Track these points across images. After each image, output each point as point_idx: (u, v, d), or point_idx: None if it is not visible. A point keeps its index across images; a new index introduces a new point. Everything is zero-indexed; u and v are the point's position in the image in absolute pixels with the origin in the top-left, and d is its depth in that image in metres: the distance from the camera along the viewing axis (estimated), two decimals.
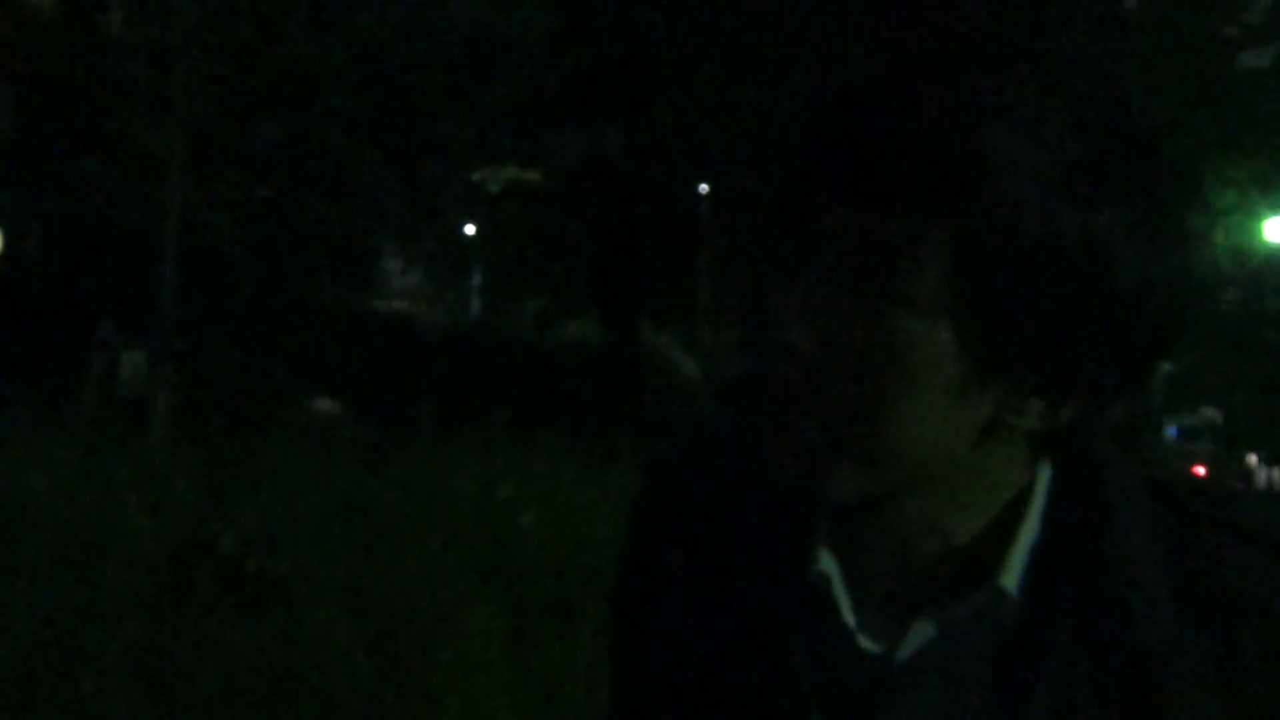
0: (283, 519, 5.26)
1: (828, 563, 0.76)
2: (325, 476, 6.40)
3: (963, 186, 0.65)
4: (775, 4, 13.57)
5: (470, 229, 19.28)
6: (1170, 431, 21.40)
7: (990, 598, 0.73)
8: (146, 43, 10.78)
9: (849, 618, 0.76)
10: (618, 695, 0.88)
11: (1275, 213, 12.46)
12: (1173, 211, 0.69)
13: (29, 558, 4.35)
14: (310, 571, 4.70)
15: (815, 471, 0.72)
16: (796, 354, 0.70)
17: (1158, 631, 0.71)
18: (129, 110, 10.85)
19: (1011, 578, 0.72)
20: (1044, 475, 0.75)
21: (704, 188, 17.55)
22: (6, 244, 13.81)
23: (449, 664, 4.16)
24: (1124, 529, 0.73)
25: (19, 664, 3.68)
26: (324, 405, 12.26)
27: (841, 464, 0.71)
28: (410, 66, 12.47)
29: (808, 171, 0.71)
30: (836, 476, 0.71)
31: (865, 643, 0.75)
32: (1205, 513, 0.75)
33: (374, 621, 4.42)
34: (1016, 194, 0.65)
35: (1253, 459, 22.89)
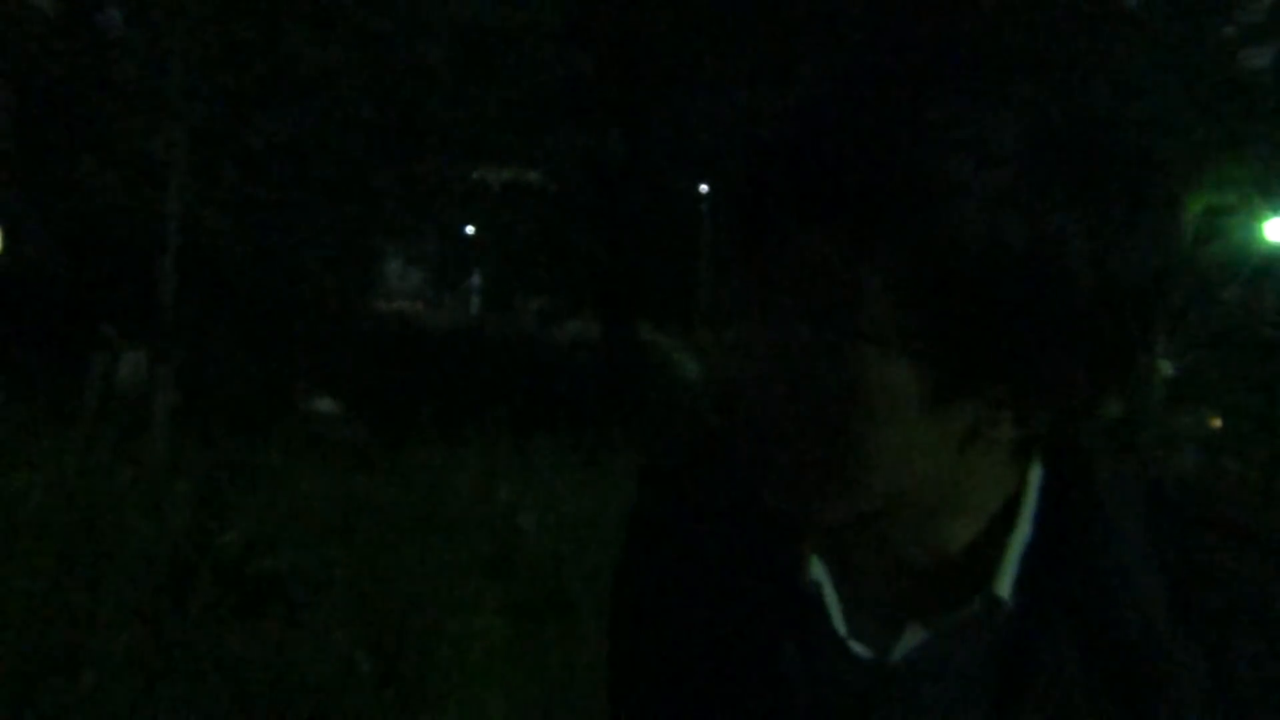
0: (283, 519, 5.27)
1: (819, 570, 0.77)
2: (325, 476, 6.41)
3: (898, 207, 0.63)
4: (776, 5, 13.57)
5: (470, 229, 19.28)
6: None
7: (984, 605, 0.72)
8: (146, 43, 10.77)
9: (840, 624, 0.76)
10: (616, 700, 0.89)
11: (1275, 213, 12.43)
12: (1138, 208, 0.66)
13: (29, 558, 4.35)
14: (310, 571, 4.70)
15: (795, 499, 0.72)
16: (761, 385, 0.70)
17: (1152, 633, 0.70)
18: (129, 110, 10.85)
19: (1005, 584, 0.72)
20: (1035, 478, 0.74)
21: (704, 188, 17.54)
22: (6, 244, 13.80)
23: (449, 664, 4.16)
24: (1116, 530, 0.73)
25: (19, 664, 3.68)
26: (324, 405, 12.24)
27: (819, 492, 0.70)
28: (410, 66, 12.46)
29: (752, 194, 0.69)
30: (816, 503, 0.71)
31: (857, 648, 0.75)
32: (1200, 513, 0.75)
33: (374, 621, 4.43)
34: (957, 211, 0.62)
35: None
